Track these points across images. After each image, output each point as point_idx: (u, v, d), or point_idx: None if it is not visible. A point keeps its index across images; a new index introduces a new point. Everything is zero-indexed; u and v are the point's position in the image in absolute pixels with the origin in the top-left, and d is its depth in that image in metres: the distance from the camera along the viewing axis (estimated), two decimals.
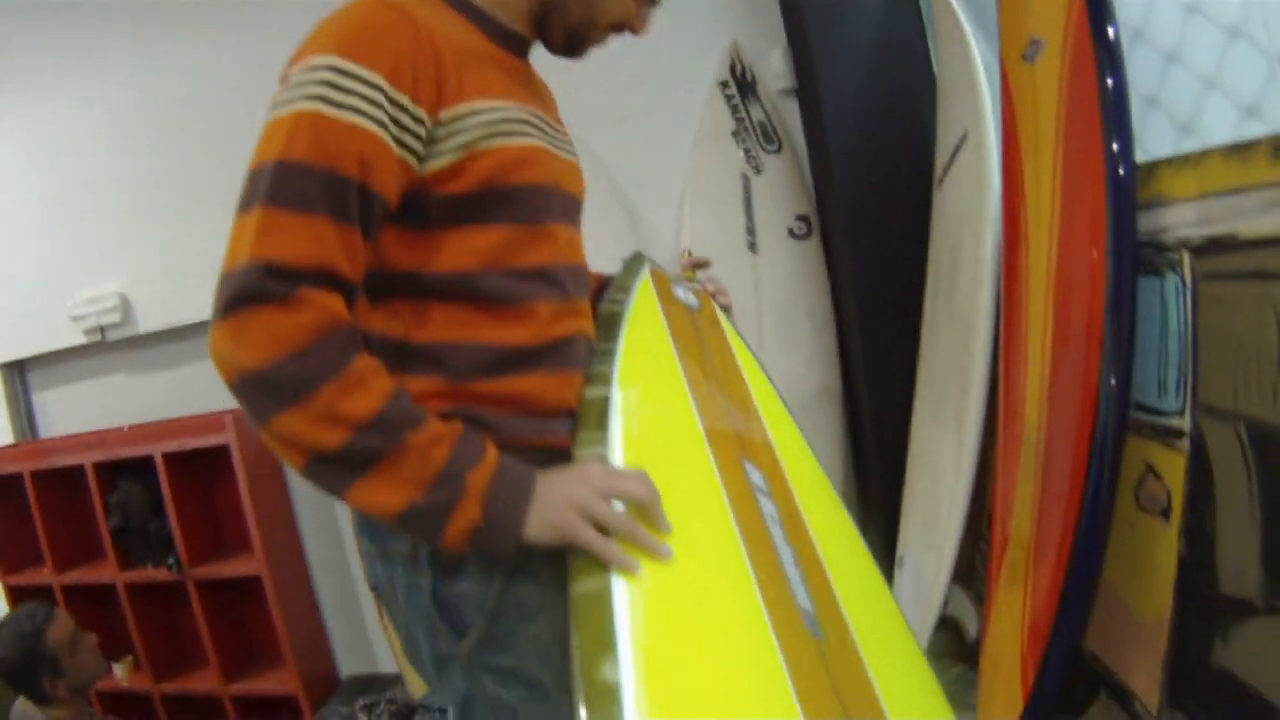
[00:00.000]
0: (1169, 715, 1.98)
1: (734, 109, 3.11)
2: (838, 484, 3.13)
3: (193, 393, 3.62)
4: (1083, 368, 2.00)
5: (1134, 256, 1.91)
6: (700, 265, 1.95)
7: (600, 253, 2.72)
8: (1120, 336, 1.92)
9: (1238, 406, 1.71)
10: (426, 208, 1.23)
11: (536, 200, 1.31)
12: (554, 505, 1.12)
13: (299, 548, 3.66)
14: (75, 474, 3.57)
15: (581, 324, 1.41)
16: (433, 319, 1.26)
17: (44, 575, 3.65)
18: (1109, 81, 1.87)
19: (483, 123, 1.24)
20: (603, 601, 1.03)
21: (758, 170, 3.10)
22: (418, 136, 1.19)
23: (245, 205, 1.12)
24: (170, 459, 3.39)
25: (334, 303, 1.12)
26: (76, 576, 3.62)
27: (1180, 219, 1.83)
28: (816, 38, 2.92)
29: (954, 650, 2.86)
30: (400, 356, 1.24)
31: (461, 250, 1.25)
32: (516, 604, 1.24)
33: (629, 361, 1.43)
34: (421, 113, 1.18)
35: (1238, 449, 1.73)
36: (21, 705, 2.58)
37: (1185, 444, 1.87)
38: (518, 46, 1.41)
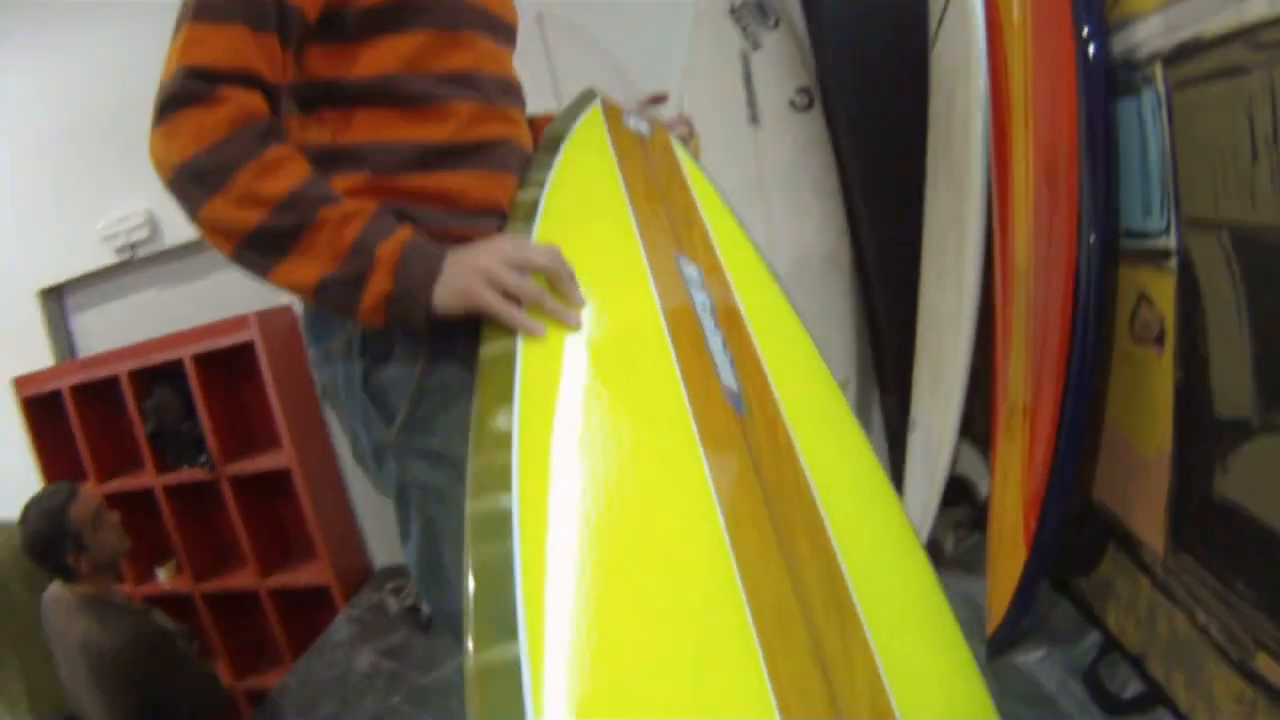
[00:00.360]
0: (1174, 559, 1.98)
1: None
2: (852, 353, 3.18)
3: (222, 300, 3.68)
4: (1064, 200, 2.00)
5: (1103, 79, 1.91)
6: (657, 100, 1.95)
7: None
8: (1095, 161, 1.92)
9: (1219, 214, 1.70)
10: (346, 21, 1.29)
11: (452, 8, 1.35)
12: (461, 273, 1.19)
13: (327, 441, 3.73)
14: (112, 385, 3.66)
15: (510, 130, 1.45)
16: (356, 122, 1.32)
17: (88, 488, 3.74)
18: None
19: None
20: (506, 362, 1.10)
21: (756, 46, 3.08)
22: None
23: (176, 30, 1.20)
24: (199, 360, 3.47)
25: (252, 99, 1.19)
26: (118, 485, 3.72)
27: (1150, 32, 1.81)
28: None
29: (971, 519, 2.87)
30: (329, 159, 1.30)
31: (381, 56, 1.31)
32: (440, 385, 1.30)
33: (565, 170, 1.46)
34: None
35: (1222, 258, 1.72)
36: (53, 589, 2.68)
37: (1173, 264, 1.86)
38: None
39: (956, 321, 2.47)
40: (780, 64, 3.11)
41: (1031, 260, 2.17)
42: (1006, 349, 2.36)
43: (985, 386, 2.54)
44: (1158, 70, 1.80)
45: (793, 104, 3.08)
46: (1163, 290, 1.92)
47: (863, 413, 3.27)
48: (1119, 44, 1.90)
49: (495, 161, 1.40)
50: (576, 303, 1.19)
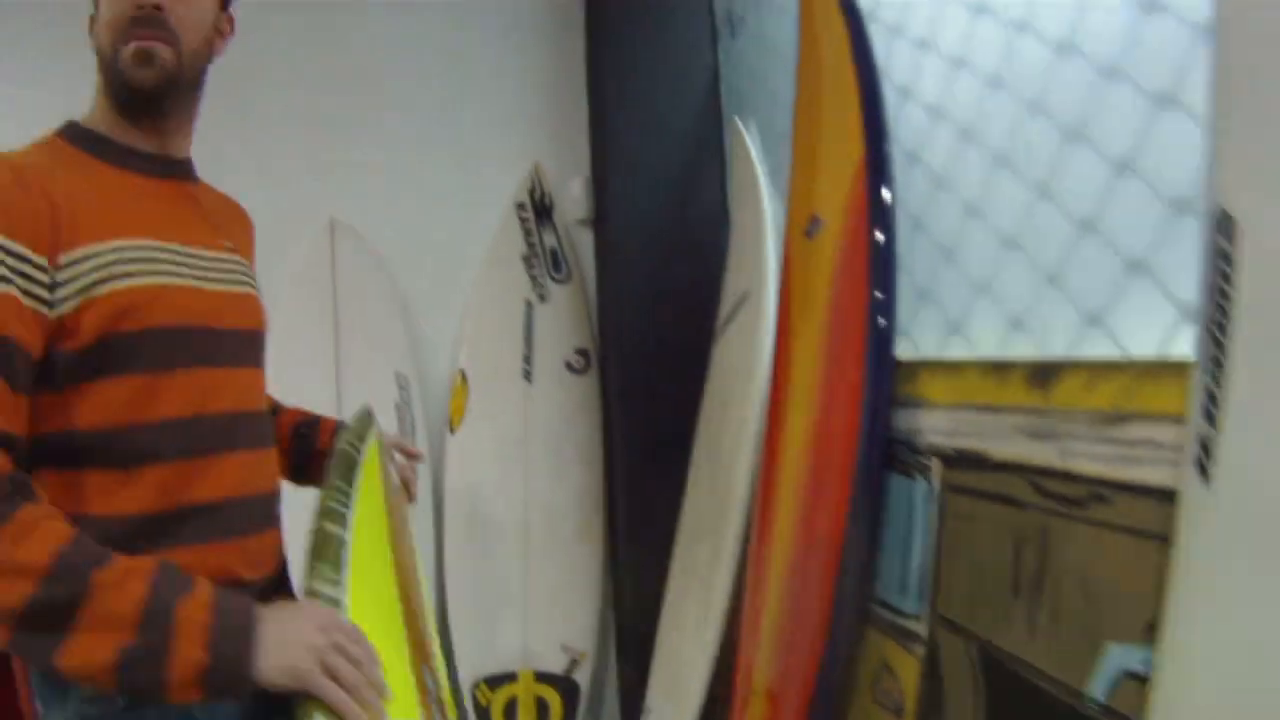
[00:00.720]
0: None
1: (527, 233, 3.04)
2: (594, 624, 3.08)
3: None
4: (824, 556, 1.96)
5: (884, 452, 1.89)
6: (411, 456, 1.84)
7: (368, 364, 2.64)
8: (862, 531, 1.90)
9: (972, 624, 1.68)
10: (56, 366, 1.16)
11: (162, 345, 1.22)
12: (287, 646, 1.05)
13: None
14: None
15: (247, 479, 1.32)
16: (71, 486, 1.17)
17: None
18: (879, 274, 1.86)
19: (95, 267, 1.17)
20: None
21: (543, 298, 3.03)
22: (43, 284, 1.13)
23: None
24: None
25: None
26: None
27: (934, 425, 1.81)
28: (618, 171, 2.91)
29: None
30: None
31: (83, 410, 1.17)
32: None
33: (361, 510, 1.33)
34: (42, 260, 1.13)
35: (969, 666, 1.69)
36: None
37: (920, 649, 1.84)
38: (148, 165, 1.32)
39: (700, 633, 2.40)
40: (563, 321, 3.07)
41: (785, 596, 2.12)
42: (750, 661, 2.28)
43: (717, 682, 2.47)
44: (935, 465, 1.79)
45: (569, 365, 3.02)
46: (906, 668, 1.90)
47: (597, 686, 3.16)
48: (903, 420, 1.89)
49: (216, 529, 1.26)
50: (386, 696, 1.09)
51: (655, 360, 2.87)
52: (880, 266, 1.85)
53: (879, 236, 1.86)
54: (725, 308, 2.67)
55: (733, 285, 2.65)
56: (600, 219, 3.04)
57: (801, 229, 2.15)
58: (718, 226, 2.88)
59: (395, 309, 2.98)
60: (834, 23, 2.04)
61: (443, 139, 3.09)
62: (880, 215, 1.87)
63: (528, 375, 3.00)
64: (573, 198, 3.11)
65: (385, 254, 3.00)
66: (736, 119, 2.72)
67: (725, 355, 2.63)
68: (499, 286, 3.05)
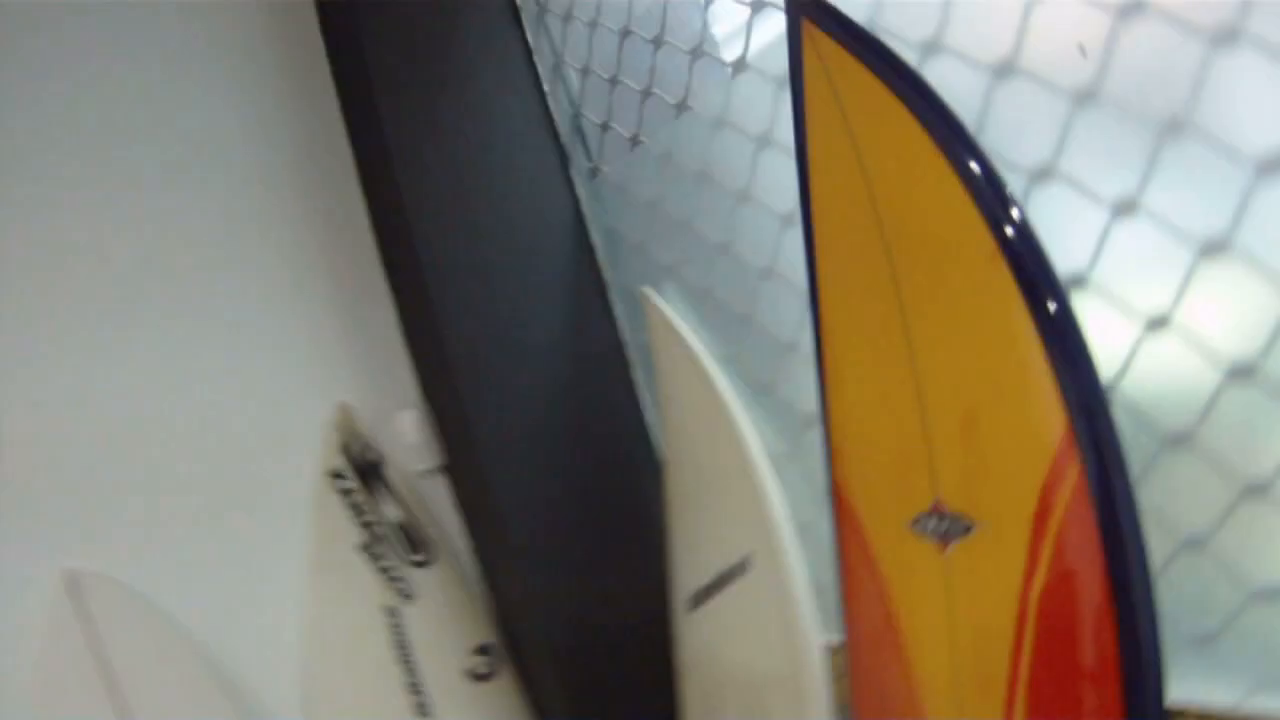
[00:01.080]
0: None
1: (356, 510, 2.11)
2: None
3: None
4: None
5: None
6: None
7: None
8: None
9: None
10: None
11: None
12: None
13: None
14: None
15: None
16: None
17: None
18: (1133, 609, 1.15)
19: None
20: None
21: (407, 596, 2.12)
22: None
23: None
24: None
25: None
26: None
27: None
28: (463, 387, 2.07)
29: None
30: None
31: None
32: None
33: None
34: None
35: None
36: None
37: None
38: None
39: None
40: (445, 618, 2.20)
41: None
42: None
43: None
44: None
45: (472, 674, 2.15)
46: None
47: None
48: None
49: None
50: None
51: (591, 642, 2.11)
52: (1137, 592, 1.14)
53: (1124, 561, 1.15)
54: (695, 574, 1.90)
55: (705, 544, 1.88)
56: (453, 462, 2.21)
57: (901, 519, 1.40)
58: (639, 451, 2.12)
59: (206, 679, 2.02)
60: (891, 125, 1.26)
61: (196, 410, 2.11)
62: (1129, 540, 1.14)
63: (422, 709, 2.10)
64: (405, 441, 2.22)
65: (164, 603, 2.01)
66: (647, 291, 1.92)
67: (713, 645, 1.88)
68: (340, 600, 2.12)
